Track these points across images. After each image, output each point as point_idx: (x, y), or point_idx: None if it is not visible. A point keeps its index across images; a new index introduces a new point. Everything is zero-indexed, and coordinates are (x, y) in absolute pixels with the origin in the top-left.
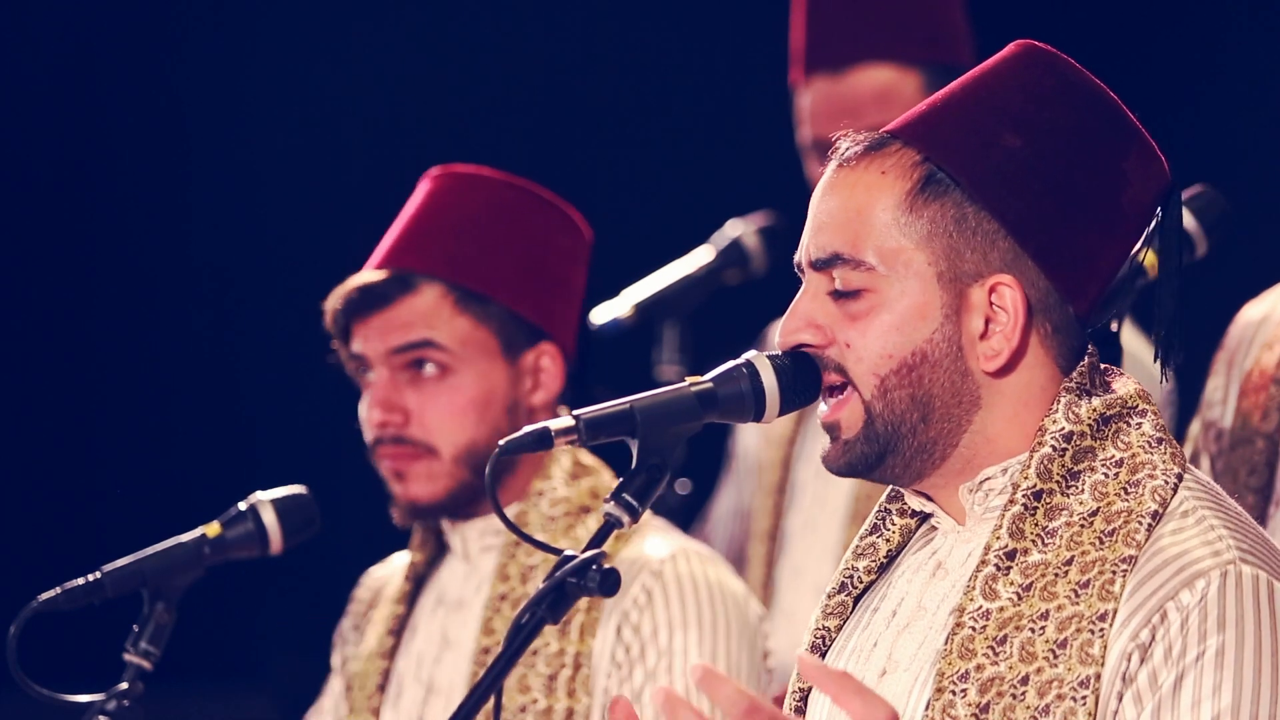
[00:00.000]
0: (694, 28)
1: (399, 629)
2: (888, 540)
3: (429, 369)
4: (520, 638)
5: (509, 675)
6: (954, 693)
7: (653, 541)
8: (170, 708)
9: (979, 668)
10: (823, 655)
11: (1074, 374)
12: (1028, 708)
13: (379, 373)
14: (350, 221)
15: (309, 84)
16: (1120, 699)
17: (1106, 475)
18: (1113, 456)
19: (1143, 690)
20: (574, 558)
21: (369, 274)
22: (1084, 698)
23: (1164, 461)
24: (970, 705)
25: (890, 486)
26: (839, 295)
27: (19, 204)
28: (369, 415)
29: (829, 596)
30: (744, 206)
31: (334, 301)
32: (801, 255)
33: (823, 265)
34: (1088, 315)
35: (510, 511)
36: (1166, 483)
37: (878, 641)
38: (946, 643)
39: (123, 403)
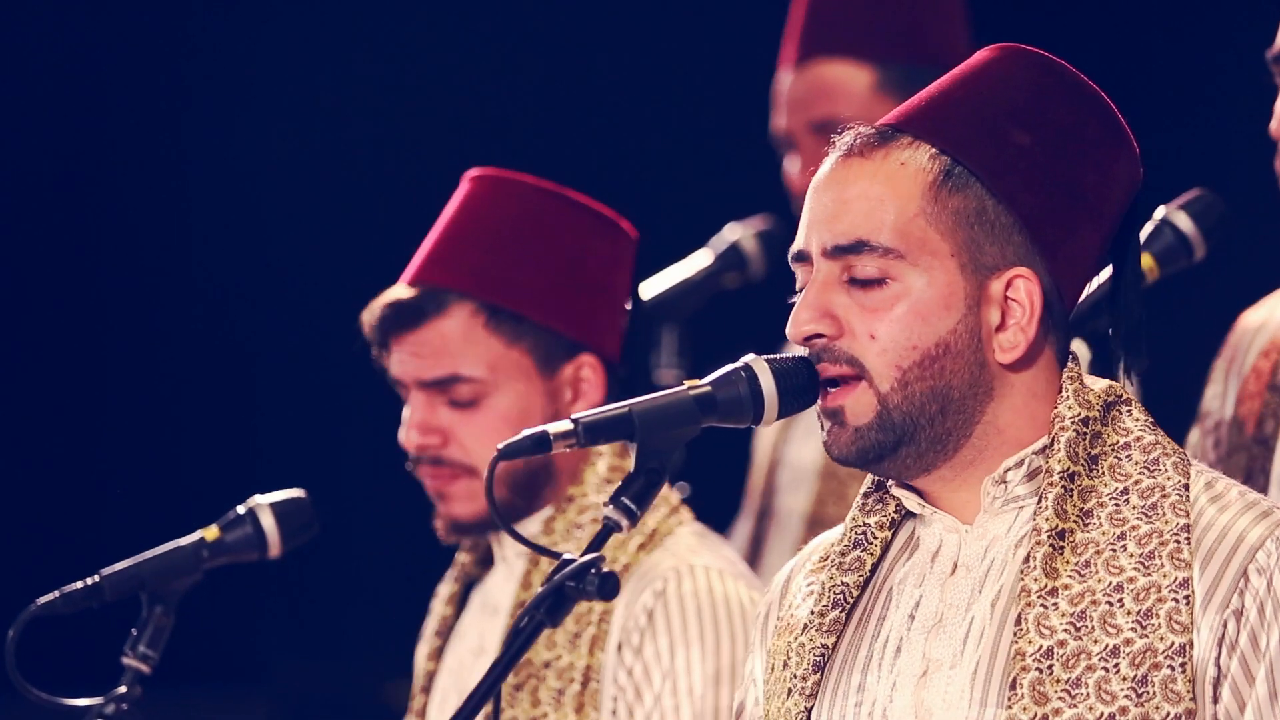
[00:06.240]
0: (693, 31)
1: (446, 631)
2: (871, 554)
3: (463, 393)
4: (519, 641)
5: (521, 684)
6: (1040, 670)
7: (670, 552)
8: (169, 711)
9: (1061, 643)
10: (821, 671)
11: (1070, 366)
12: (1124, 679)
13: (415, 395)
14: (353, 226)
15: (325, 83)
16: (1218, 664)
17: (1119, 457)
18: (1118, 441)
19: (1246, 652)
20: (572, 561)
21: (401, 290)
22: (1182, 665)
23: (1167, 440)
24: (1058, 682)
25: (861, 497)
26: (857, 283)
27: (23, 207)
28: (407, 436)
29: (820, 615)
30: (742, 210)
31: (369, 316)
32: (807, 245)
33: (841, 252)
34: (1071, 311)
35: (543, 516)
36: (1181, 458)
37: (900, 646)
38: (1019, 623)
39: (122, 406)
